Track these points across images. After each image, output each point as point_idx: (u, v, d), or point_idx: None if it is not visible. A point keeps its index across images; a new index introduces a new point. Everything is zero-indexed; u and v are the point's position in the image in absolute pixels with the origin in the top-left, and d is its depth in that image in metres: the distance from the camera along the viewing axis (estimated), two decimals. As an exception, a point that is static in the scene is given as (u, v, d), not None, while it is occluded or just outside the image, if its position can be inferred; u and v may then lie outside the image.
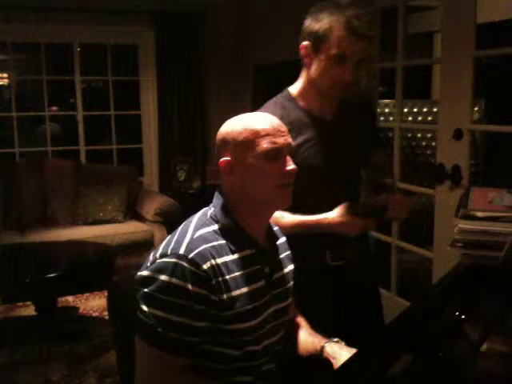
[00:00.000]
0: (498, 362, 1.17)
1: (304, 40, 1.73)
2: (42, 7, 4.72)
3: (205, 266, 1.24)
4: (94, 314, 3.93)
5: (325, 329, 1.57)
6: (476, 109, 4.48)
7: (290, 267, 1.53)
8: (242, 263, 1.33)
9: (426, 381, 1.07)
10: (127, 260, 4.24)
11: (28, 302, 3.89)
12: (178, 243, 1.28)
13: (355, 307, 1.87)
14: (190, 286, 1.22)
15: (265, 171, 1.32)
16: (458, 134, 2.75)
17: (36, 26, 4.88)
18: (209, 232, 1.32)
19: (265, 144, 1.32)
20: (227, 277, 1.28)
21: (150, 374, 1.26)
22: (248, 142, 1.33)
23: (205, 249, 1.27)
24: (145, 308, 1.24)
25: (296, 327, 1.58)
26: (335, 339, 1.48)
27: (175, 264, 1.23)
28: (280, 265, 1.48)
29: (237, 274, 1.31)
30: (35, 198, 4.77)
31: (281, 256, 1.50)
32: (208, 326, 1.26)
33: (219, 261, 1.28)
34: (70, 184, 4.86)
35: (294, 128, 1.72)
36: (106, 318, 3.46)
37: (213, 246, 1.29)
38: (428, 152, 5.05)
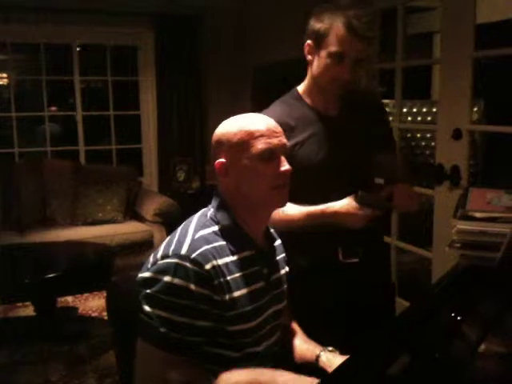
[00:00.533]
0: (495, 362, 1.17)
1: (308, 39, 1.79)
2: (41, 8, 4.72)
3: (207, 267, 1.24)
4: (94, 315, 3.93)
5: (332, 328, 1.57)
6: (475, 109, 4.48)
7: (285, 269, 1.54)
8: (242, 264, 1.33)
9: (424, 381, 1.07)
10: (126, 260, 4.23)
11: (27, 303, 3.89)
12: (180, 244, 1.28)
13: (366, 307, 1.86)
14: (192, 286, 1.22)
15: (259, 172, 1.33)
16: (457, 135, 2.76)
17: (35, 26, 4.88)
18: (209, 233, 1.32)
19: (259, 145, 1.32)
20: (228, 278, 1.29)
21: (151, 375, 1.26)
22: (242, 144, 1.33)
23: (206, 249, 1.27)
24: (147, 309, 1.24)
25: (291, 333, 1.58)
26: (330, 348, 1.50)
27: (177, 264, 1.23)
28: (277, 266, 1.48)
29: (237, 275, 1.31)
30: (34, 199, 4.76)
31: (277, 258, 1.50)
32: (211, 326, 1.26)
33: (220, 262, 1.28)
34: (69, 184, 4.85)
35: (299, 124, 1.80)
36: (105, 318, 3.46)
37: (214, 247, 1.29)
38: (427, 152, 5.06)
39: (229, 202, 1.38)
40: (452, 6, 2.77)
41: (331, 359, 1.45)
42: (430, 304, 1.38)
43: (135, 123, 5.66)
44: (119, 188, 4.90)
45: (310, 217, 1.72)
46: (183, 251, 1.25)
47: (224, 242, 1.32)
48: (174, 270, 1.23)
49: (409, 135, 5.24)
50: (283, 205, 1.41)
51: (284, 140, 1.38)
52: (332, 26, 1.70)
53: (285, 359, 1.50)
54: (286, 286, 1.51)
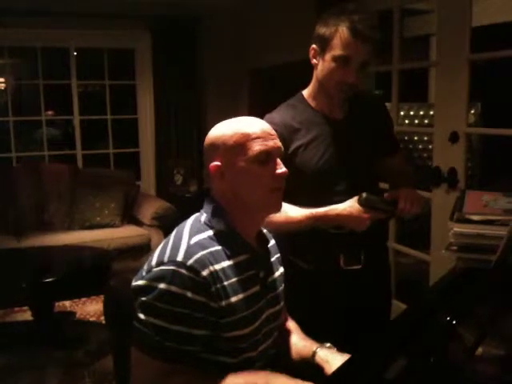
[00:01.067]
0: (493, 365, 1.17)
1: (313, 43, 1.81)
2: (38, 12, 4.71)
3: (204, 273, 1.23)
4: (91, 319, 3.92)
5: (332, 333, 1.57)
6: (472, 112, 4.50)
7: (281, 270, 1.52)
8: (238, 268, 1.31)
9: (421, 385, 1.07)
10: (124, 264, 4.22)
11: (25, 307, 3.88)
12: (175, 250, 1.25)
13: (366, 312, 1.87)
14: (189, 294, 1.20)
15: (256, 175, 1.31)
16: (453, 137, 2.76)
17: (32, 30, 4.90)
18: (204, 238, 1.30)
19: (256, 147, 1.31)
20: (225, 283, 1.27)
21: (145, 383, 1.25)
22: (239, 146, 1.32)
23: (202, 255, 1.25)
24: (142, 317, 1.22)
25: (287, 332, 1.57)
26: (327, 344, 1.48)
27: (174, 272, 1.21)
28: (272, 268, 1.47)
29: (234, 279, 1.30)
30: (32, 203, 4.76)
31: (272, 259, 1.49)
32: (206, 335, 1.24)
33: (217, 267, 1.26)
34: (66, 188, 4.85)
35: (303, 127, 1.82)
36: (103, 322, 3.45)
37: (210, 252, 1.27)
38: (425, 155, 5.07)
39: (223, 206, 1.36)
40: (448, 9, 2.77)
41: (328, 355, 1.43)
42: (426, 307, 1.38)
43: (133, 127, 5.66)
44: (117, 192, 4.89)
45: (313, 219, 1.72)
46: (179, 258, 1.23)
47: (220, 247, 1.30)
48: (171, 277, 1.21)
49: (406, 138, 5.25)
50: (278, 209, 1.40)
51: (279, 143, 1.37)
52: (337, 29, 1.72)
53: (281, 360, 1.49)
54: (282, 288, 1.50)
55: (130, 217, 4.97)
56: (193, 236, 1.30)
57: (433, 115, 3.71)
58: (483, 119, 4.65)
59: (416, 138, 5.23)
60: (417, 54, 5.39)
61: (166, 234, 1.39)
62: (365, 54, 1.74)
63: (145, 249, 4.55)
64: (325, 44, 1.75)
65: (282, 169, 1.34)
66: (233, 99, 5.44)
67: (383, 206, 1.68)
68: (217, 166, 1.33)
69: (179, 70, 5.36)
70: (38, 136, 5.72)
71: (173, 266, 1.22)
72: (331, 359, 1.41)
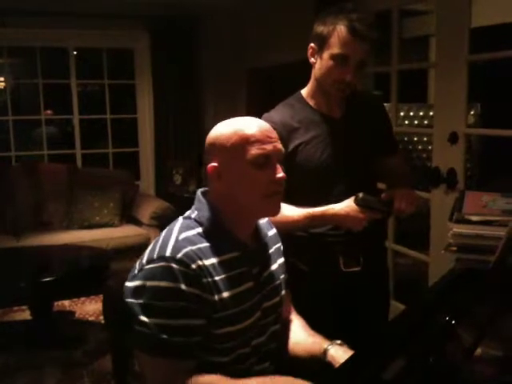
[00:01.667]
0: (491, 365, 1.17)
1: (311, 42, 1.81)
2: (37, 12, 4.71)
3: (193, 266, 1.23)
4: (90, 319, 3.92)
5: (328, 333, 1.57)
6: (472, 113, 4.50)
7: (280, 261, 1.50)
8: (229, 265, 1.31)
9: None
10: (123, 264, 4.21)
11: (24, 306, 3.88)
12: (164, 247, 1.26)
13: (364, 313, 1.87)
14: (183, 286, 1.21)
15: (253, 178, 1.30)
16: (453, 138, 2.76)
17: (31, 30, 4.90)
18: (193, 234, 1.31)
19: (254, 150, 1.29)
20: (216, 278, 1.27)
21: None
22: (237, 148, 1.30)
23: (191, 250, 1.25)
24: (144, 319, 1.21)
25: (292, 326, 1.55)
26: (338, 341, 1.44)
27: (164, 267, 1.22)
28: (268, 262, 1.45)
29: (224, 276, 1.29)
30: (31, 202, 4.76)
31: (270, 251, 1.47)
32: (205, 324, 1.25)
33: (206, 262, 1.26)
34: (65, 188, 4.85)
35: (302, 126, 1.82)
36: (102, 322, 3.45)
37: (198, 248, 1.27)
38: (424, 155, 5.07)
39: (217, 205, 1.35)
40: (447, 10, 2.77)
41: (340, 354, 1.39)
42: (425, 307, 1.38)
43: (132, 127, 5.67)
44: (116, 192, 4.89)
45: (310, 218, 1.72)
46: (167, 253, 1.24)
47: (208, 244, 1.30)
48: (162, 273, 1.22)
49: (406, 139, 5.26)
50: (275, 214, 1.39)
51: (279, 146, 1.35)
52: (334, 28, 1.72)
53: (283, 355, 1.48)
54: (282, 278, 1.48)
55: (128, 216, 4.97)
56: (182, 232, 1.30)
57: (432, 116, 3.72)
58: (483, 120, 4.65)
59: (415, 139, 5.23)
60: (416, 55, 5.40)
61: (165, 233, 1.39)
62: (362, 53, 1.74)
63: (144, 248, 4.40)
64: (323, 42, 1.76)
65: (280, 173, 1.32)
66: (232, 99, 5.44)
67: (379, 206, 1.68)
68: (214, 166, 1.32)
69: (178, 70, 5.36)
70: (37, 135, 5.71)
71: (162, 262, 1.23)
72: (343, 358, 1.35)
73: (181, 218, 1.38)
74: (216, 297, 1.26)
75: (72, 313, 4.02)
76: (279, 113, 1.85)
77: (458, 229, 1.50)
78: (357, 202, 1.66)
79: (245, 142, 1.30)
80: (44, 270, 3.54)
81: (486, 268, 1.32)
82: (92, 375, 3.08)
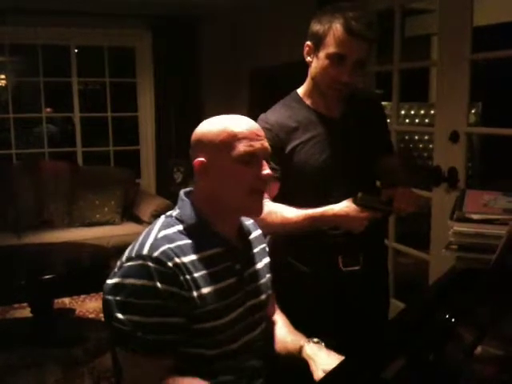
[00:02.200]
0: (492, 365, 1.17)
1: (308, 40, 1.78)
2: (38, 10, 4.71)
3: (170, 264, 1.24)
4: (91, 316, 3.93)
5: (330, 333, 1.56)
6: (473, 111, 4.49)
7: (265, 261, 1.51)
8: (210, 261, 1.32)
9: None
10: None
11: (24, 304, 3.88)
12: (142, 245, 1.27)
13: (364, 312, 1.86)
14: (159, 285, 1.21)
15: (238, 174, 1.31)
16: (454, 137, 2.76)
17: (33, 28, 4.89)
18: (174, 232, 1.31)
19: (241, 147, 1.30)
20: (195, 275, 1.27)
21: (139, 381, 1.26)
22: (225, 145, 1.31)
23: (168, 248, 1.26)
24: (120, 316, 1.22)
25: (273, 324, 1.56)
26: (315, 339, 1.47)
27: (141, 266, 1.23)
28: (252, 260, 1.46)
29: (204, 271, 1.29)
30: (32, 200, 4.76)
31: (254, 250, 1.48)
32: (183, 322, 1.25)
33: (185, 259, 1.27)
34: (66, 186, 4.86)
35: (300, 126, 1.79)
36: (103, 320, 3.45)
37: (177, 246, 1.28)
38: (425, 154, 5.07)
39: (200, 203, 1.36)
40: (449, 9, 2.77)
41: (315, 351, 1.42)
42: (425, 306, 1.38)
43: (133, 125, 5.67)
44: (117, 190, 4.89)
45: (310, 219, 1.70)
46: (145, 251, 1.24)
47: (189, 241, 1.31)
48: (139, 271, 1.23)
49: (407, 137, 5.25)
50: (258, 214, 1.40)
51: (266, 144, 1.36)
52: (330, 26, 1.69)
53: (270, 352, 1.48)
54: (266, 278, 1.49)
55: (129, 214, 4.97)
56: (161, 230, 1.31)
57: (433, 115, 3.71)
58: (484, 119, 4.65)
59: (416, 138, 5.23)
60: (418, 54, 5.39)
61: (166, 232, 1.39)
62: (360, 53, 1.69)
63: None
64: (319, 41, 1.72)
65: (266, 170, 1.33)
66: (232, 98, 5.43)
67: (379, 206, 1.67)
68: (201, 161, 1.33)
69: (179, 69, 5.36)
70: (38, 133, 5.72)
71: (140, 260, 1.24)
72: (316, 355, 1.40)
73: (162, 217, 1.39)
74: (195, 293, 1.26)
75: (72, 310, 4.03)
76: (276, 114, 1.83)
77: (459, 227, 1.50)
78: (356, 201, 1.65)
79: (233, 138, 1.31)
80: (45, 268, 3.54)
81: (487, 266, 1.32)
82: (92, 373, 3.08)
